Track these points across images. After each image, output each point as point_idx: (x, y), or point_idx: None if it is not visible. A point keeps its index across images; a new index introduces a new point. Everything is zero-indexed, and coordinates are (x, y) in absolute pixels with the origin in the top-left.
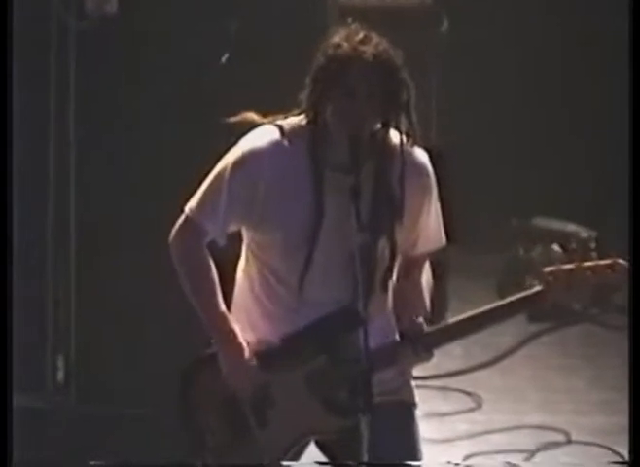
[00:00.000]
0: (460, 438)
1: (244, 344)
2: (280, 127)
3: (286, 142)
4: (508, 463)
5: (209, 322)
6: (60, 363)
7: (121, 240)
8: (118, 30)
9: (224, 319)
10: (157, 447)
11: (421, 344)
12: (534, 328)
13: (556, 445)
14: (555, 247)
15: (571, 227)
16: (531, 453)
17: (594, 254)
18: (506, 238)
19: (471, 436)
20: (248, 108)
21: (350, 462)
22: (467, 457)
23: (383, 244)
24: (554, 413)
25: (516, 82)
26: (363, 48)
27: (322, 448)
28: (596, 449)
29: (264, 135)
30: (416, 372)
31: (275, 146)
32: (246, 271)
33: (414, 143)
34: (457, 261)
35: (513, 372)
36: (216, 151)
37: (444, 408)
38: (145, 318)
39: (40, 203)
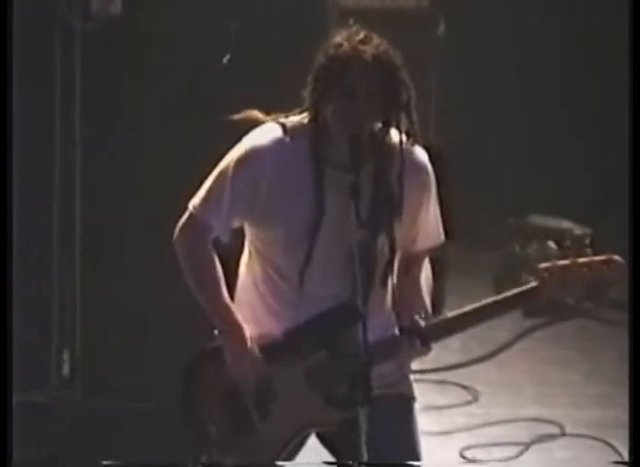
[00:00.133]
0: (458, 430)
1: (248, 335)
2: (282, 125)
3: (288, 140)
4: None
5: (214, 313)
6: (66, 357)
7: (125, 240)
8: (122, 31)
9: (229, 310)
10: (162, 441)
11: (420, 338)
12: (530, 323)
13: (552, 437)
14: (551, 244)
15: (566, 224)
16: (527, 446)
17: (589, 250)
18: (502, 236)
19: (468, 429)
20: (249, 108)
21: (350, 462)
22: (464, 449)
23: (382, 241)
24: (551, 407)
25: (516, 82)
26: (363, 48)
27: (322, 440)
28: (592, 442)
29: (266, 133)
30: (415, 365)
31: (277, 144)
32: (249, 267)
33: (414, 142)
34: (455, 258)
35: (509, 366)
36: (218, 151)
37: (442, 401)
38: (149, 315)
39: (45, 204)
